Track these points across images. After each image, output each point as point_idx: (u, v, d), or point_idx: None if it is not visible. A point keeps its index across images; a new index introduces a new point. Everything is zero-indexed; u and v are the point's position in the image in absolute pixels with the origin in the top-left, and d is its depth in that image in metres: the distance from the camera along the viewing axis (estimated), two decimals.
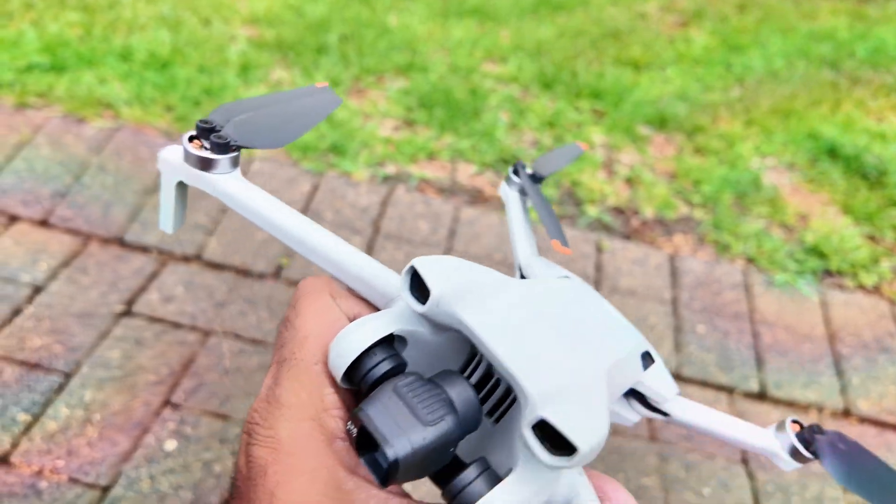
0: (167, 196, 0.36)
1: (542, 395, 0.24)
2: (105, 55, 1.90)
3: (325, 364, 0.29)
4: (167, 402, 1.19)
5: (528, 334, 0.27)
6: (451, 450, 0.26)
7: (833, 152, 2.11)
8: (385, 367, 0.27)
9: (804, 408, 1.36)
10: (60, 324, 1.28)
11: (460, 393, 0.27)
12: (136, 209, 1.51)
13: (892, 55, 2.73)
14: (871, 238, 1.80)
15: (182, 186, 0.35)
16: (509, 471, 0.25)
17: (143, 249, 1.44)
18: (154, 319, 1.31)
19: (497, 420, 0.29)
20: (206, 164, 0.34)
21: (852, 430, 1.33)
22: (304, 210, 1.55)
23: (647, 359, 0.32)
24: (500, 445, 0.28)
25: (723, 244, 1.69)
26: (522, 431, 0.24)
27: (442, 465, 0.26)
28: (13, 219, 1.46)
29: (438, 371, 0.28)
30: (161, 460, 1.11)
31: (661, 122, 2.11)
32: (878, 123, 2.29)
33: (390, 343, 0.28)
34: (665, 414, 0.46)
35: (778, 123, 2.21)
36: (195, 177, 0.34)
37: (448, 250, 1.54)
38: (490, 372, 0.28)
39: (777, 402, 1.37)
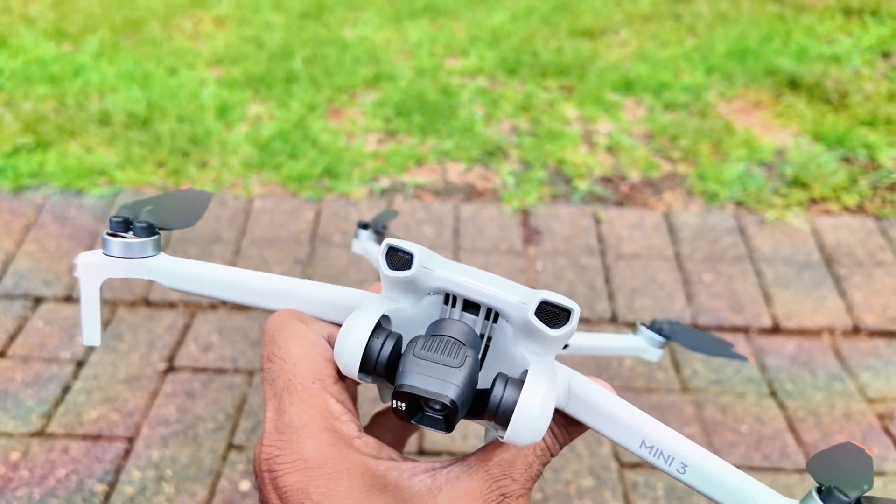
0: (90, 303, 0.37)
1: (524, 297, 0.30)
2: (85, 123, 1.94)
3: (322, 381, 0.32)
4: (231, 445, 1.25)
5: (478, 277, 0.32)
6: (476, 378, 0.30)
7: (794, 83, 2.20)
8: (390, 345, 0.30)
9: (816, 333, 1.45)
10: (111, 392, 1.33)
11: (459, 329, 0.31)
12: None
13: None
14: (846, 160, 1.89)
15: (98, 291, 0.37)
16: (522, 373, 0.30)
17: (170, 305, 1.49)
18: (198, 370, 1.37)
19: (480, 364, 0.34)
20: (135, 251, 0.37)
21: (864, 346, 1.43)
22: (312, 237, 1.61)
23: None
24: (500, 368, 0.33)
25: (710, 193, 1.77)
26: (528, 319, 0.30)
27: (472, 398, 0.30)
28: (38, 300, 1.50)
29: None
30: (240, 501, 1.17)
31: (626, 86, 2.18)
32: (829, 47, 2.38)
33: (380, 327, 0.32)
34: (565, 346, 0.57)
35: (736, 65, 2.29)
36: (126, 267, 0.37)
37: (456, 249, 1.61)
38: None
39: (790, 332, 1.46)
